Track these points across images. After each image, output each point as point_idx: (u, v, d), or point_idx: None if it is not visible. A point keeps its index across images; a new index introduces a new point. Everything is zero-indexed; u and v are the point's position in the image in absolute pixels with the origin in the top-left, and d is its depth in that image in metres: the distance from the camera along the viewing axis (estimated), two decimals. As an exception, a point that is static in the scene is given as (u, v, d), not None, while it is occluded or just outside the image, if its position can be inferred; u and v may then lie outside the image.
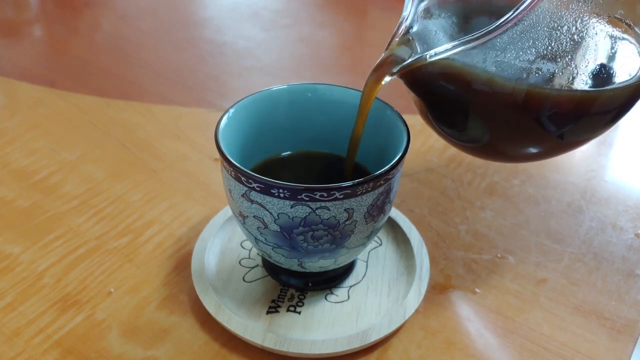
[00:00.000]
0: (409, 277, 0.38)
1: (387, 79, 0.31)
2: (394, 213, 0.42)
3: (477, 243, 0.42)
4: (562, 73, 0.29)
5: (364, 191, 0.30)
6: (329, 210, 0.30)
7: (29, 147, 0.50)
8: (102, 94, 0.58)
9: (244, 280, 0.38)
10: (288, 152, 0.39)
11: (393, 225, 0.41)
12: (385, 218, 0.34)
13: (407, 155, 0.32)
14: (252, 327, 0.34)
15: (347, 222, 0.31)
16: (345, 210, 0.30)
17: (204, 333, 0.35)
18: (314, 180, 0.38)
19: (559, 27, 0.29)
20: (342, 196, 0.30)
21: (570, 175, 0.48)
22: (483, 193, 0.46)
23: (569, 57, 0.30)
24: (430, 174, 0.48)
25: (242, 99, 0.36)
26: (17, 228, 0.42)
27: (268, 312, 0.36)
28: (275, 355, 0.34)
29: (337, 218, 0.31)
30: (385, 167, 0.31)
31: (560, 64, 0.29)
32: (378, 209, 0.32)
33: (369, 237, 0.34)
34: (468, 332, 0.36)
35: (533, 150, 0.33)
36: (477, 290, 0.39)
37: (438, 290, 0.38)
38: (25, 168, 0.47)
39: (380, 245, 0.40)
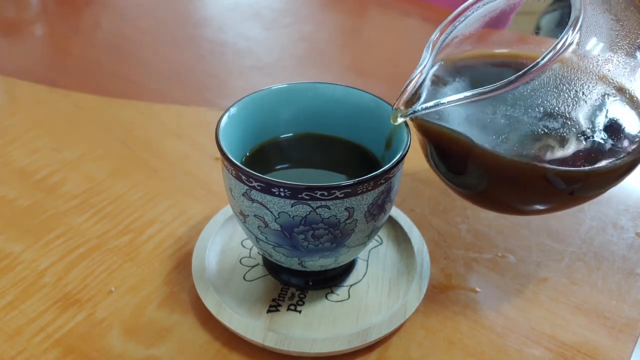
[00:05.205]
0: (409, 276, 0.38)
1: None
2: (395, 212, 0.42)
3: (477, 242, 0.42)
4: (545, 144, 0.31)
5: (364, 190, 0.30)
6: (330, 209, 0.30)
7: (30, 146, 0.50)
8: (102, 93, 0.58)
9: (244, 279, 0.38)
10: (289, 134, 0.39)
11: (394, 224, 0.41)
12: (386, 217, 0.34)
13: (407, 154, 0.32)
14: (252, 326, 0.34)
15: (348, 221, 0.31)
16: (345, 209, 0.30)
17: (205, 332, 0.35)
18: (314, 164, 0.38)
19: (558, 96, 0.31)
20: (342, 195, 0.30)
21: (571, 175, 0.48)
22: (484, 192, 0.46)
23: (557, 128, 0.31)
24: (431, 173, 0.48)
25: (243, 98, 0.36)
26: (18, 227, 0.42)
27: (269, 311, 0.36)
28: (276, 354, 0.34)
29: (338, 217, 0.31)
30: (386, 166, 0.31)
31: (547, 135, 0.31)
32: (379, 207, 0.32)
33: (369, 236, 0.34)
34: (469, 331, 0.36)
35: (518, 208, 0.36)
36: (477, 289, 0.39)
37: (439, 289, 0.38)
38: (26, 167, 0.47)
39: (381, 244, 0.40)
